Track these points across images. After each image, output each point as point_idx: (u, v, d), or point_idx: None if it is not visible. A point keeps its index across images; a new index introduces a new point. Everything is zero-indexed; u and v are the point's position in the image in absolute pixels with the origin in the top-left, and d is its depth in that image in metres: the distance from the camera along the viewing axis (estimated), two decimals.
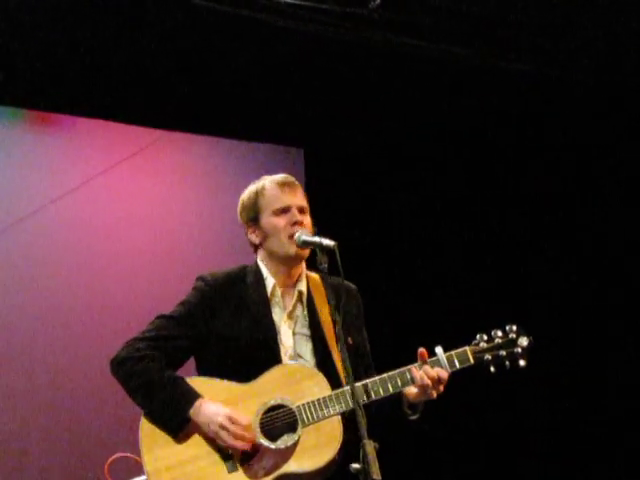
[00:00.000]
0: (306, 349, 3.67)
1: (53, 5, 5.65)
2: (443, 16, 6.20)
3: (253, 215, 3.78)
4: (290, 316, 3.71)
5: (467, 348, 3.65)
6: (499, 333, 3.69)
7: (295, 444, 3.47)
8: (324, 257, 3.42)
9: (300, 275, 3.76)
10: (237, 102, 6.42)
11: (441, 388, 3.59)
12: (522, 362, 3.66)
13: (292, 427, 3.48)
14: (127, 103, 6.19)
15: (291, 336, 3.68)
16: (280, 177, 3.85)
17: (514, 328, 3.70)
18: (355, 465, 3.14)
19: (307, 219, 3.75)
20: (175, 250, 6.33)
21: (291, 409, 3.49)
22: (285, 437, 3.48)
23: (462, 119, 6.92)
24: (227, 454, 3.49)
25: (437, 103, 6.81)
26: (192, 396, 3.50)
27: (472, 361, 3.63)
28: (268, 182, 3.82)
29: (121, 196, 6.28)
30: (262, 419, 3.49)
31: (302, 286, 3.75)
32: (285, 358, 3.62)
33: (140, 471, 3.51)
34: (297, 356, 3.65)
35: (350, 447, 3.38)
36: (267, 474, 3.46)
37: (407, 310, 6.77)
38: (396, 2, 6.13)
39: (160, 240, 6.35)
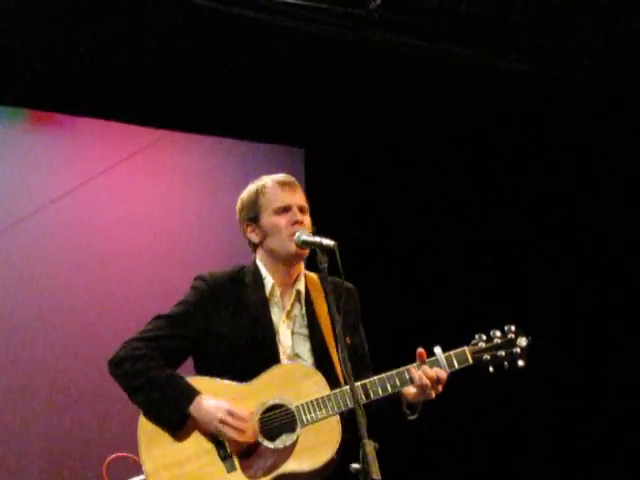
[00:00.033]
0: (304, 349, 3.67)
1: (53, 5, 5.65)
2: (443, 16, 6.19)
3: (253, 214, 3.78)
4: (289, 316, 3.71)
5: (466, 348, 3.65)
6: (498, 333, 3.69)
7: (294, 444, 3.47)
8: (324, 257, 3.42)
9: (299, 275, 3.77)
10: (237, 102, 6.42)
11: (440, 388, 3.59)
12: (521, 362, 3.66)
13: (291, 427, 3.49)
14: (127, 103, 6.19)
15: (290, 336, 3.68)
16: (281, 176, 3.85)
17: (512, 328, 3.70)
18: (355, 465, 3.13)
19: (307, 219, 3.76)
20: (175, 250, 6.33)
21: (290, 409, 3.49)
22: (284, 437, 3.48)
23: (462, 119, 6.91)
24: (226, 453, 3.49)
25: (437, 103, 6.80)
26: (192, 392, 3.51)
27: (471, 361, 3.63)
28: (269, 181, 3.82)
29: (121, 196, 6.28)
30: (261, 419, 3.49)
31: (300, 285, 3.75)
32: (283, 358, 3.62)
33: (138, 471, 3.51)
34: (295, 356, 3.65)
35: (349, 447, 3.39)
36: (266, 474, 3.46)
37: (407, 310, 6.77)
38: (396, 2, 6.12)
39: (160, 240, 6.35)
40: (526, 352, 3.67)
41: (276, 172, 3.91)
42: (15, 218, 5.89)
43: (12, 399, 5.68)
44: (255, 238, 3.78)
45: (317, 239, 3.50)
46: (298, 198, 3.79)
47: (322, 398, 3.50)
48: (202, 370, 3.65)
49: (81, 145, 6.23)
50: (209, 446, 3.50)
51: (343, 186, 6.91)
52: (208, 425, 3.48)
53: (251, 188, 3.84)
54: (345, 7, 6.09)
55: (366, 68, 6.52)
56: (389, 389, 3.55)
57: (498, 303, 6.63)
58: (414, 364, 3.59)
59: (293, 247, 3.66)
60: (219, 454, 3.49)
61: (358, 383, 3.46)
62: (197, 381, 3.57)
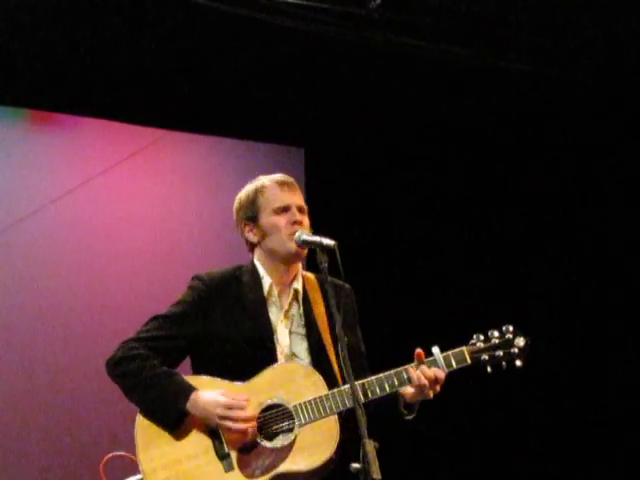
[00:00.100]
0: (301, 348, 3.67)
1: (53, 5, 5.65)
2: (443, 16, 6.20)
3: (251, 213, 3.78)
4: (286, 315, 3.71)
5: (464, 348, 3.64)
6: (496, 333, 3.68)
7: (292, 443, 3.47)
8: (324, 257, 3.41)
9: (296, 274, 3.77)
10: (237, 102, 6.42)
11: (438, 388, 3.58)
12: (519, 362, 3.65)
13: (289, 426, 3.48)
14: (127, 103, 6.19)
15: (287, 335, 3.68)
16: (279, 176, 3.86)
17: (510, 328, 3.70)
18: (355, 465, 3.13)
19: (306, 219, 3.76)
20: (175, 250, 6.33)
21: (287, 408, 3.49)
22: (282, 436, 3.48)
23: (462, 119, 6.91)
24: (224, 452, 3.48)
25: (437, 103, 6.81)
26: (187, 389, 3.50)
27: (469, 361, 3.63)
28: (267, 181, 3.82)
29: (121, 196, 6.29)
30: (259, 418, 3.49)
31: (298, 285, 3.75)
32: (281, 357, 3.62)
33: (135, 470, 3.51)
34: (292, 355, 3.65)
35: (347, 446, 3.39)
36: (264, 473, 3.46)
37: (406, 310, 6.77)
38: (396, 2, 6.13)
39: (160, 240, 6.35)
40: (524, 352, 3.66)
41: (276, 172, 3.91)
42: (15, 218, 5.90)
43: (12, 399, 5.68)
44: (253, 238, 3.78)
45: (317, 239, 3.50)
46: (297, 198, 3.79)
47: (320, 398, 3.50)
48: (199, 370, 3.64)
49: (81, 145, 6.23)
50: (207, 445, 3.49)
51: (343, 186, 6.91)
52: (207, 421, 3.48)
53: (249, 188, 3.84)
54: (345, 7, 6.10)
55: (366, 68, 6.52)
56: (387, 389, 3.55)
57: (498, 303, 6.64)
58: (412, 364, 3.59)
59: (293, 247, 3.66)
60: (217, 453, 3.48)
61: (357, 383, 3.47)
62: (194, 380, 3.57)
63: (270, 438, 3.48)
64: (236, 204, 3.85)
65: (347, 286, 3.77)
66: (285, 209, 3.73)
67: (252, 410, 3.49)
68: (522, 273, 7.12)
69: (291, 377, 3.54)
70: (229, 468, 3.47)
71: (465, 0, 6.11)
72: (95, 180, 6.18)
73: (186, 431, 3.50)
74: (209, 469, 3.45)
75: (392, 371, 3.57)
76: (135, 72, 6.07)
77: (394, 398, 3.60)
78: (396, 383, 3.56)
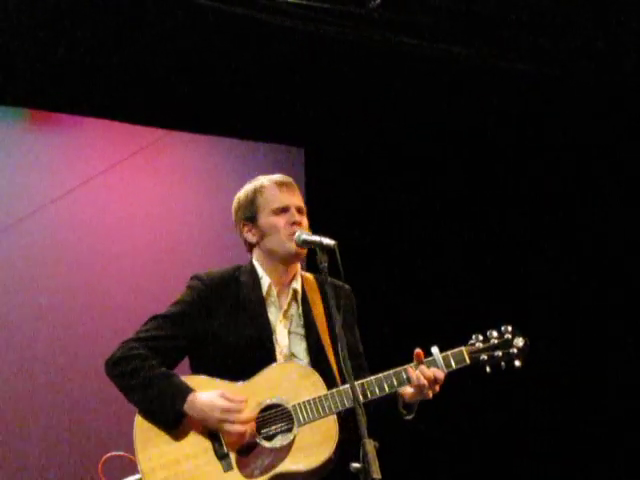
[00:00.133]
0: (300, 348, 3.67)
1: (53, 5, 5.65)
2: (443, 16, 6.20)
3: (250, 214, 3.78)
4: (285, 315, 3.71)
5: (463, 348, 3.65)
6: (494, 334, 3.69)
7: (291, 443, 3.47)
8: (324, 256, 3.41)
9: (295, 274, 3.77)
10: (238, 101, 6.42)
11: (437, 388, 3.59)
12: (517, 363, 3.66)
13: (288, 426, 3.49)
14: (127, 102, 6.19)
15: (286, 335, 3.68)
16: (278, 177, 3.85)
17: (509, 329, 3.70)
18: (355, 464, 3.13)
19: (305, 220, 3.76)
20: (175, 250, 6.33)
21: (287, 408, 3.49)
22: (281, 436, 3.48)
23: (462, 119, 6.91)
24: (223, 452, 3.48)
25: (437, 103, 6.81)
26: (185, 390, 3.49)
27: (468, 361, 3.63)
28: (266, 181, 3.82)
29: (121, 196, 6.29)
30: (258, 418, 3.49)
31: (297, 285, 3.75)
32: (280, 357, 3.62)
33: (134, 470, 3.50)
34: (291, 355, 3.65)
35: (346, 446, 3.40)
36: (263, 473, 3.46)
37: (406, 310, 6.77)
38: (396, 2, 6.13)
39: (160, 240, 6.35)
40: (523, 352, 3.67)
41: (276, 172, 3.91)
42: (15, 218, 5.90)
43: (11, 399, 5.68)
44: (252, 238, 3.78)
45: (317, 238, 3.49)
46: (296, 199, 3.79)
47: (319, 398, 3.50)
48: (198, 369, 3.64)
49: (81, 145, 6.23)
50: (206, 445, 3.49)
51: (343, 186, 6.91)
52: (205, 423, 3.47)
53: (248, 188, 3.84)
54: (345, 7, 6.09)
55: (366, 68, 6.52)
56: (386, 389, 3.55)
57: (497, 303, 6.64)
58: (411, 364, 3.59)
59: (292, 247, 3.66)
60: (216, 453, 3.48)
61: (356, 383, 3.47)
62: (193, 380, 3.57)
63: (269, 438, 3.48)
64: (235, 204, 3.85)
65: (346, 286, 3.76)
66: (284, 210, 3.73)
67: (251, 411, 3.48)
68: (522, 273, 7.12)
69: (290, 377, 3.54)
70: (228, 468, 3.46)
71: (465, 0, 6.11)
72: (95, 180, 6.18)
73: (185, 431, 3.50)
74: (208, 469, 3.45)
75: (391, 371, 3.58)
76: (135, 72, 6.07)
77: (393, 398, 3.60)
78: (395, 383, 3.56)
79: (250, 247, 3.81)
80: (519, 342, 3.67)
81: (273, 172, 3.91)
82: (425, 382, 3.55)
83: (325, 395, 3.50)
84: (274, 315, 3.70)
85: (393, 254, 6.99)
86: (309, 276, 3.80)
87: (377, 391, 3.53)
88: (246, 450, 3.48)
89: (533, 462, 6.88)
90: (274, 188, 3.78)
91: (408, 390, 3.58)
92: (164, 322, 3.65)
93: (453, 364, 3.61)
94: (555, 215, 7.13)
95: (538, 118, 6.96)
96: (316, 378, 3.54)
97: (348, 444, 3.38)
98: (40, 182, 6.02)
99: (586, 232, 7.07)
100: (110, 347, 3.65)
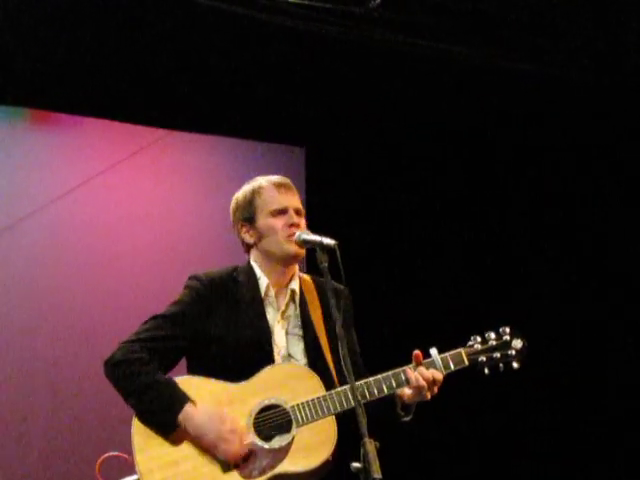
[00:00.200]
0: (297, 349, 3.68)
1: (53, 5, 5.65)
2: (443, 16, 6.19)
3: (248, 215, 3.78)
4: (283, 316, 3.71)
5: (461, 350, 3.67)
6: (493, 335, 3.71)
7: (289, 444, 3.47)
8: (324, 256, 3.40)
9: (293, 275, 3.77)
10: (238, 101, 6.42)
11: (436, 389, 3.60)
12: (516, 364, 3.67)
13: (286, 427, 3.49)
14: (128, 102, 6.18)
15: (284, 336, 3.68)
16: (277, 178, 3.85)
17: (507, 330, 3.72)
18: (355, 464, 3.13)
19: (303, 222, 3.76)
20: (175, 250, 6.32)
21: (285, 409, 3.49)
22: (279, 437, 3.48)
23: (462, 119, 6.91)
24: None
25: (437, 103, 6.81)
26: (181, 401, 3.48)
27: (467, 363, 3.65)
28: (265, 182, 3.82)
29: (121, 196, 6.28)
30: (256, 419, 3.49)
31: (295, 285, 3.76)
32: (278, 358, 3.63)
33: (131, 470, 3.50)
34: (289, 356, 3.66)
35: (345, 447, 3.40)
36: (261, 474, 3.46)
37: (405, 310, 6.76)
38: (396, 1, 6.13)
39: (161, 239, 6.34)
40: (521, 354, 3.68)
41: (277, 171, 3.92)
42: (15, 218, 5.89)
43: (10, 399, 5.69)
44: (249, 239, 3.78)
45: (317, 238, 3.48)
46: (294, 200, 3.79)
47: (318, 398, 3.50)
48: (196, 370, 3.64)
49: (81, 145, 6.22)
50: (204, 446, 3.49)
51: (343, 185, 6.91)
52: (199, 439, 3.46)
53: (247, 188, 3.84)
54: (345, 6, 6.10)
55: (366, 67, 6.52)
56: (385, 390, 3.56)
57: (497, 303, 6.63)
58: (410, 365, 3.60)
59: (290, 249, 3.67)
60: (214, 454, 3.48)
61: (359, 382, 3.47)
62: (188, 381, 3.57)
63: (267, 439, 3.48)
64: (233, 205, 3.85)
65: (344, 288, 3.75)
66: (282, 211, 3.74)
67: (248, 411, 3.49)
68: (522, 273, 7.12)
69: (288, 378, 3.55)
70: (227, 469, 3.46)
71: (465, 0, 6.12)
72: (95, 180, 6.17)
73: (182, 436, 3.49)
74: (206, 470, 3.45)
75: (390, 372, 3.58)
76: (135, 72, 6.06)
77: (391, 400, 3.61)
78: (394, 384, 3.57)
79: (248, 248, 3.82)
80: (517, 344, 3.68)
81: (274, 172, 3.91)
82: (424, 383, 3.56)
83: (324, 396, 3.51)
84: (272, 316, 3.70)
85: (393, 254, 6.98)
86: (307, 277, 3.81)
87: (375, 392, 3.54)
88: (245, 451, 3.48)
89: (533, 463, 6.87)
90: (272, 189, 3.78)
91: (406, 391, 3.59)
92: (163, 322, 3.65)
93: (452, 365, 3.63)
94: (555, 215, 7.13)
95: (538, 118, 6.95)
96: (315, 379, 3.55)
97: (346, 445, 3.38)
98: (40, 182, 6.01)
99: (586, 232, 7.07)
100: (110, 347, 3.64)
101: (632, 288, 7.01)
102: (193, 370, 3.66)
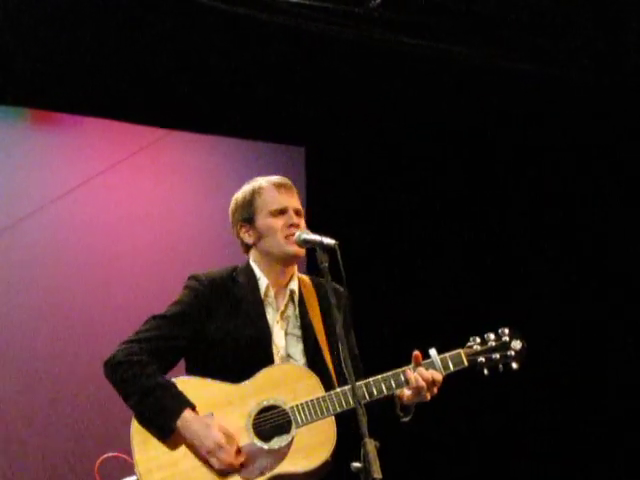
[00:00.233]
0: (296, 349, 3.68)
1: (53, 5, 5.66)
2: (443, 15, 6.20)
3: (248, 215, 3.78)
4: (282, 316, 3.71)
5: (461, 351, 3.67)
6: (492, 336, 3.71)
7: (289, 445, 3.47)
8: (325, 256, 3.39)
9: (292, 275, 3.77)
10: (238, 101, 6.42)
11: (435, 390, 3.60)
12: (515, 365, 3.68)
13: (286, 428, 3.49)
14: (128, 102, 6.19)
15: (283, 337, 3.69)
16: (277, 178, 3.85)
17: (506, 331, 3.72)
18: (356, 464, 3.13)
19: (302, 222, 3.76)
20: (175, 250, 6.32)
21: (284, 410, 3.49)
22: (279, 438, 3.48)
23: (462, 119, 6.91)
24: None
25: (437, 103, 6.81)
26: (181, 406, 3.48)
27: (466, 364, 3.65)
28: (265, 182, 3.82)
29: (121, 195, 6.28)
30: (255, 420, 3.49)
31: (294, 285, 3.76)
32: (277, 359, 3.63)
33: (131, 471, 3.50)
34: (288, 356, 3.66)
35: (345, 447, 3.40)
36: (261, 474, 3.46)
37: (405, 311, 6.76)
38: (396, 1, 6.13)
39: (161, 239, 6.34)
40: (521, 355, 3.68)
41: (277, 171, 3.92)
42: (15, 218, 5.89)
43: (10, 399, 5.69)
44: (249, 239, 3.78)
45: (318, 238, 3.48)
46: (294, 201, 3.79)
47: (317, 399, 3.50)
48: (195, 370, 3.64)
49: (82, 144, 6.22)
50: None
51: (343, 185, 6.91)
52: (194, 447, 3.46)
53: (246, 189, 3.84)
54: (345, 6, 6.10)
55: (366, 67, 6.53)
56: (384, 391, 3.56)
57: (497, 303, 6.64)
58: (409, 366, 3.60)
59: (290, 249, 3.67)
60: None
61: (358, 383, 3.47)
62: (189, 382, 3.57)
63: (267, 439, 3.48)
64: (232, 205, 3.85)
65: (342, 289, 3.75)
66: (282, 211, 3.74)
67: (248, 412, 3.49)
68: (522, 273, 7.12)
69: (287, 378, 3.55)
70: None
71: (465, 0, 6.12)
72: (95, 180, 6.17)
73: (180, 440, 3.48)
74: (205, 470, 3.45)
75: (389, 373, 3.59)
76: (135, 72, 6.07)
77: (390, 400, 3.61)
78: (393, 385, 3.57)
79: (247, 248, 3.82)
80: (517, 345, 3.69)
81: (274, 172, 3.91)
82: (423, 384, 3.56)
83: (323, 397, 3.51)
84: (271, 316, 3.70)
85: (393, 254, 6.98)
86: (305, 278, 3.81)
87: (375, 393, 3.54)
88: (244, 451, 3.47)
89: (533, 463, 6.87)
90: (272, 190, 3.78)
91: (406, 392, 3.60)
92: (163, 322, 3.65)
93: (451, 366, 3.63)
94: (555, 215, 7.13)
95: (538, 118, 6.96)
96: (314, 379, 3.55)
97: (346, 445, 3.39)
98: (40, 182, 6.01)
99: (586, 232, 7.07)
100: (110, 347, 3.64)
101: (632, 288, 7.01)
102: (192, 370, 3.66)
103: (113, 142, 6.29)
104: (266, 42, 6.22)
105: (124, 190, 6.29)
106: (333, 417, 3.51)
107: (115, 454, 3.89)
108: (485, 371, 3.66)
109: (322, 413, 3.49)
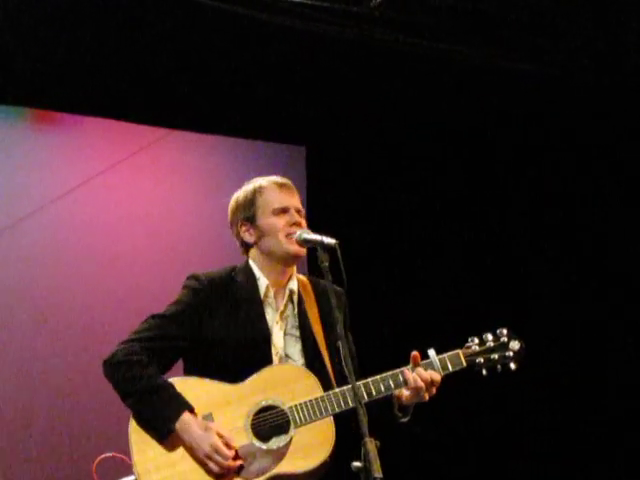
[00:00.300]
0: (294, 350, 3.68)
1: (53, 5, 5.66)
2: (443, 15, 6.20)
3: (249, 214, 3.78)
4: (282, 317, 3.71)
5: (459, 351, 3.68)
6: (490, 337, 3.72)
7: (288, 445, 3.48)
8: (325, 255, 3.40)
9: (291, 275, 3.78)
10: (238, 101, 6.42)
11: (434, 390, 3.61)
12: (513, 366, 3.69)
13: (284, 428, 3.49)
14: (128, 102, 6.19)
15: (282, 337, 3.69)
16: (278, 178, 3.86)
17: (504, 332, 3.72)
18: (356, 463, 3.13)
19: (304, 222, 3.76)
20: (175, 250, 6.31)
21: (283, 410, 3.50)
22: (277, 438, 3.49)
23: (462, 119, 6.91)
24: None
25: (437, 103, 6.80)
26: (180, 407, 3.47)
27: (464, 364, 3.66)
28: (265, 182, 3.83)
29: (122, 195, 6.28)
30: (254, 420, 3.50)
31: (294, 285, 3.76)
32: (275, 359, 3.63)
33: (128, 471, 3.51)
34: (286, 357, 3.66)
35: (345, 447, 3.41)
36: (260, 474, 3.46)
37: (404, 311, 6.76)
38: (396, 1, 6.13)
39: (161, 239, 6.34)
40: (519, 355, 3.69)
41: (277, 171, 3.92)
42: (15, 218, 5.90)
43: (9, 399, 5.69)
44: (250, 238, 3.78)
45: (318, 237, 3.49)
46: (295, 200, 3.80)
47: (316, 399, 3.51)
48: (193, 370, 3.64)
49: (82, 144, 6.22)
50: None
51: (344, 185, 6.91)
52: (192, 450, 3.45)
53: (247, 188, 3.84)
54: (345, 5, 6.10)
55: (367, 67, 6.52)
56: (383, 391, 3.57)
57: (497, 303, 6.64)
58: (408, 366, 3.61)
59: (291, 248, 3.67)
60: None
61: (357, 383, 3.48)
62: (188, 382, 3.57)
63: (265, 440, 3.49)
64: (232, 204, 3.85)
65: (340, 289, 3.73)
66: (284, 210, 3.75)
67: (246, 412, 3.50)
68: (522, 273, 7.12)
69: (287, 379, 3.55)
70: None
71: (465, 0, 6.12)
72: (95, 180, 6.17)
73: (178, 441, 3.48)
74: (203, 472, 3.44)
75: (388, 373, 3.60)
76: (136, 71, 6.07)
77: (389, 401, 3.62)
78: (392, 385, 3.58)
79: (247, 248, 3.81)
80: (515, 345, 3.69)
81: (274, 172, 3.92)
82: (422, 384, 3.57)
83: (322, 397, 3.52)
84: (271, 316, 3.70)
85: (393, 254, 6.98)
86: (303, 278, 3.81)
87: (374, 393, 3.55)
88: (243, 451, 3.47)
89: (533, 463, 6.87)
90: (274, 189, 3.79)
91: (404, 392, 3.61)
92: (163, 322, 3.65)
93: (450, 367, 3.64)
94: (555, 215, 7.13)
95: (538, 118, 6.95)
96: (312, 379, 3.56)
97: (344, 445, 3.39)
98: (40, 182, 6.01)
99: (586, 232, 7.07)
100: (109, 348, 3.64)
101: (632, 288, 7.00)
102: (190, 370, 3.66)
103: (113, 142, 6.29)
104: (266, 42, 6.22)
105: (124, 190, 6.29)
106: (332, 417, 3.51)
107: (113, 454, 3.90)
108: (483, 371, 3.67)
109: (321, 413, 3.50)
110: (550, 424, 6.97)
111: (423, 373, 3.58)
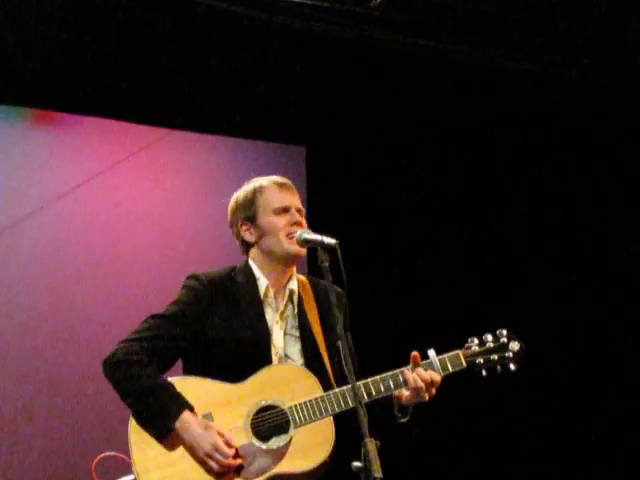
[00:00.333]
0: (294, 350, 3.68)
1: (54, 5, 5.66)
2: (443, 15, 6.20)
3: (250, 213, 3.78)
4: (282, 317, 3.71)
5: (459, 352, 3.68)
6: (490, 337, 3.72)
7: (287, 445, 3.48)
8: (325, 255, 3.40)
9: (291, 275, 3.78)
10: (238, 100, 6.42)
11: (433, 391, 3.62)
12: (513, 366, 3.69)
13: (284, 428, 3.50)
14: (129, 102, 6.19)
15: (282, 337, 3.69)
16: (278, 178, 3.86)
17: (504, 332, 3.73)
18: (356, 463, 3.13)
19: (304, 222, 3.76)
20: (176, 250, 6.31)
21: (283, 410, 3.50)
22: (277, 438, 3.49)
23: (462, 119, 6.91)
24: None
25: (437, 103, 6.80)
26: (180, 407, 3.47)
27: (464, 365, 3.66)
28: (266, 182, 3.83)
29: (122, 195, 6.27)
30: (253, 419, 3.50)
31: (293, 285, 3.76)
32: (275, 359, 3.63)
33: (128, 470, 3.50)
34: (285, 357, 3.66)
35: (345, 447, 3.41)
36: (259, 474, 3.47)
37: (404, 311, 6.75)
38: (396, 1, 6.13)
39: (161, 239, 6.34)
40: (518, 356, 3.70)
41: (277, 170, 3.93)
42: (15, 218, 5.90)
43: (9, 399, 5.69)
44: (250, 237, 3.78)
45: (319, 237, 3.48)
46: (296, 200, 3.81)
47: (316, 399, 3.51)
48: (193, 370, 3.63)
49: (82, 144, 6.22)
50: None
51: (344, 185, 6.91)
52: (192, 449, 3.45)
53: (248, 188, 3.85)
54: (346, 5, 6.10)
55: (367, 67, 6.52)
56: (383, 391, 3.57)
57: (497, 303, 6.64)
58: (408, 366, 3.61)
59: (292, 248, 3.68)
60: None
61: (357, 383, 3.48)
62: (187, 381, 3.57)
63: (265, 439, 3.49)
64: (232, 204, 3.85)
65: (340, 290, 3.74)
66: (285, 210, 3.75)
67: (246, 412, 3.50)
68: (522, 273, 7.12)
69: (286, 379, 3.55)
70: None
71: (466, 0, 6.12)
72: (96, 179, 6.17)
73: (178, 440, 3.48)
74: (203, 471, 3.44)
75: (388, 373, 3.60)
76: (136, 71, 6.07)
77: (388, 401, 3.62)
78: (392, 385, 3.58)
79: (247, 248, 3.81)
80: (515, 346, 3.70)
81: (274, 171, 3.93)
82: (422, 385, 3.57)
83: (322, 397, 3.52)
84: (271, 316, 3.70)
85: (393, 254, 6.98)
86: (302, 278, 3.82)
87: (374, 393, 3.55)
88: (242, 451, 3.47)
89: (533, 463, 6.87)
90: (275, 188, 3.80)
91: (404, 393, 3.61)
92: (162, 322, 3.65)
93: (450, 367, 3.64)
94: (555, 215, 7.13)
95: (538, 118, 6.95)
96: (312, 379, 3.56)
97: (344, 445, 3.39)
98: (40, 182, 6.01)
99: (586, 232, 7.06)
100: (109, 347, 3.64)
101: (632, 288, 7.00)
102: (190, 370, 3.66)
103: (113, 142, 6.28)
104: (266, 42, 6.22)
105: (124, 190, 6.28)
106: (331, 417, 3.51)
107: (112, 453, 3.89)
108: (483, 372, 3.68)
109: (320, 413, 3.50)
110: (550, 424, 6.97)
111: (423, 373, 3.58)
